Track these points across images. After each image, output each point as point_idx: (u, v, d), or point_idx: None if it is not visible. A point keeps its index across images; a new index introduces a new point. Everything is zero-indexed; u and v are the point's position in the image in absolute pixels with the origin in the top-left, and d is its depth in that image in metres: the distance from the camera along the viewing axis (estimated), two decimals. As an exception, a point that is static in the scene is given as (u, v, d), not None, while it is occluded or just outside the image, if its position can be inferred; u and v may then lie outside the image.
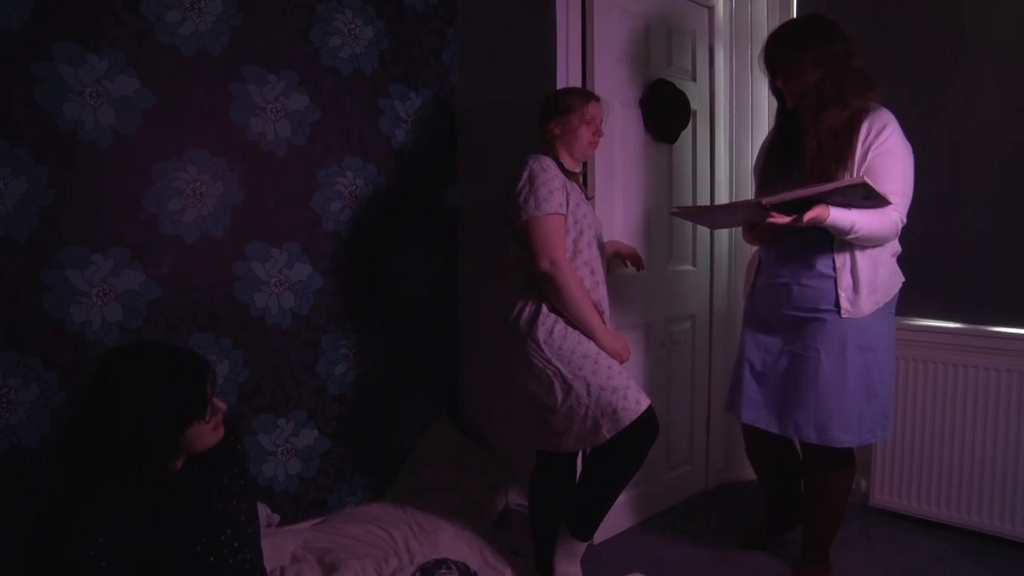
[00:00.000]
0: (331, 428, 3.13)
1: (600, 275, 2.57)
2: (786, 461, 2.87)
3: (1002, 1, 3.05)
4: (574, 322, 2.44)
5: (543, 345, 2.43)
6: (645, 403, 2.42)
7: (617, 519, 3.19)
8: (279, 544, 2.69)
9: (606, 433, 2.39)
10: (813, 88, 2.40)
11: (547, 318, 2.45)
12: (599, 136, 2.59)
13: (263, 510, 2.80)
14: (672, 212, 2.83)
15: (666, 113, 3.25)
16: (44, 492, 1.75)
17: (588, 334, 2.45)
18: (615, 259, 2.88)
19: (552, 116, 2.56)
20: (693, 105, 3.40)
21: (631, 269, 2.94)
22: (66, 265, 2.45)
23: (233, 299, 2.84)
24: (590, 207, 2.61)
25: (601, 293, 2.56)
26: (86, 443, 1.69)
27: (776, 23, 3.70)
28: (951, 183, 3.18)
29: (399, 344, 3.34)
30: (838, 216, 2.26)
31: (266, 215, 2.90)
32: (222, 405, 1.83)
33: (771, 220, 2.27)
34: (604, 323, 2.51)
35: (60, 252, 2.44)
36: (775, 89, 2.55)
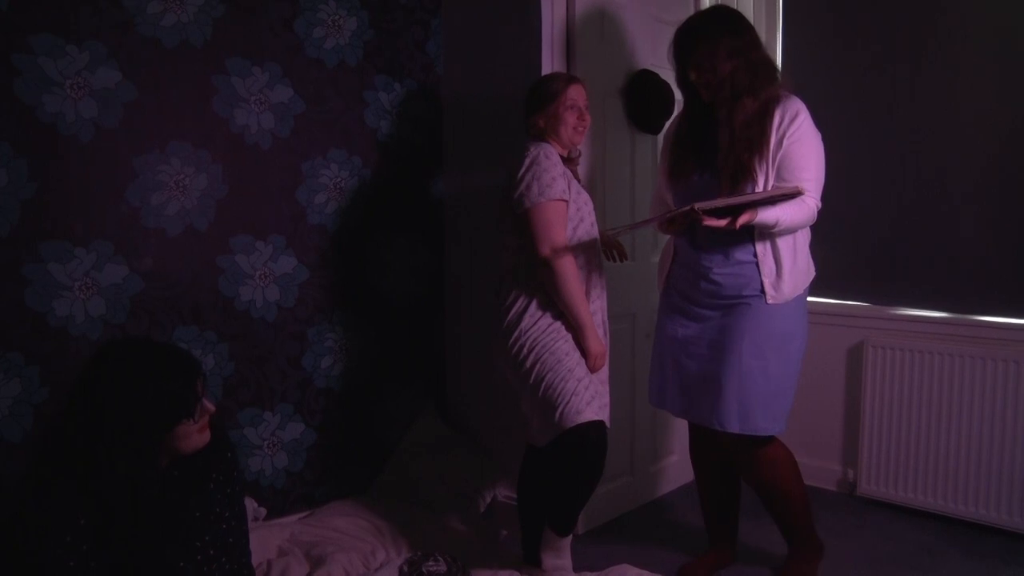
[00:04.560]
0: (317, 421, 3.12)
1: (596, 262, 2.57)
2: (728, 465, 2.75)
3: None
4: (565, 312, 2.43)
5: (523, 335, 2.43)
6: (587, 416, 2.34)
7: (605, 509, 3.20)
8: (265, 538, 2.69)
9: (549, 433, 2.38)
10: (727, 80, 2.41)
11: (535, 312, 2.45)
12: (585, 120, 2.56)
13: (249, 504, 2.79)
14: (609, 232, 2.82)
15: (650, 104, 3.24)
16: (25, 488, 1.74)
17: (577, 327, 2.43)
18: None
19: (534, 109, 2.55)
20: (678, 96, 3.39)
21: (616, 262, 2.93)
22: (48, 259, 2.43)
23: (218, 292, 2.82)
24: (587, 195, 2.60)
25: (596, 280, 2.55)
26: (74, 437, 1.68)
27: (761, 12, 3.71)
28: (938, 174, 3.19)
29: (385, 337, 3.33)
30: (765, 215, 2.30)
31: (250, 208, 2.88)
32: (211, 406, 1.82)
33: (707, 223, 2.26)
34: (593, 321, 2.49)
35: (41, 246, 2.42)
36: (685, 82, 2.54)
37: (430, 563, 2.59)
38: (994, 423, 3.02)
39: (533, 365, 2.40)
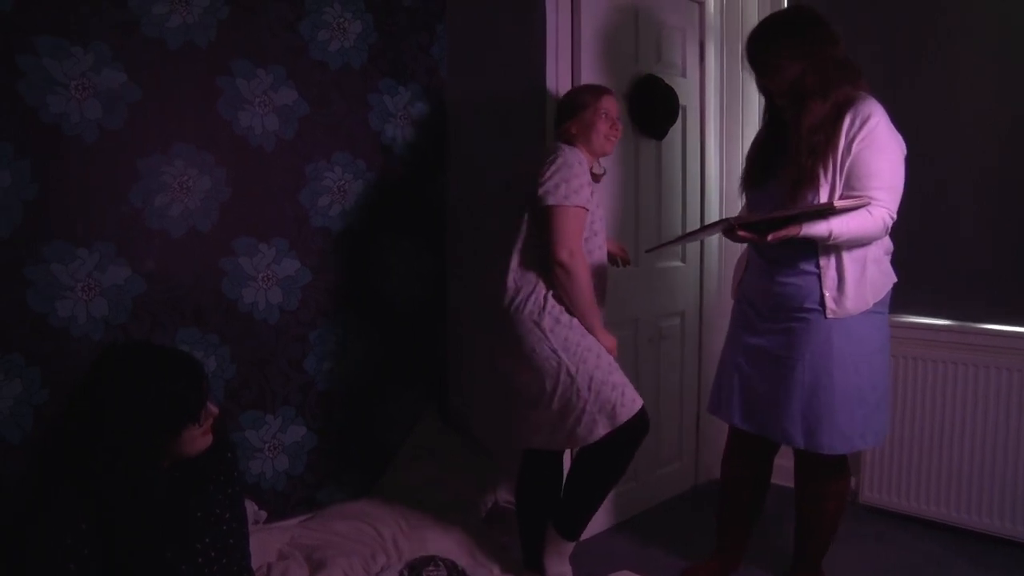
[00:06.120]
0: (319, 424, 3.11)
1: (603, 274, 2.59)
2: (759, 479, 2.75)
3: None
4: (575, 313, 2.44)
5: (549, 334, 2.40)
6: (640, 403, 2.43)
7: (606, 515, 3.19)
8: (266, 541, 2.68)
9: (602, 430, 2.37)
10: (794, 83, 2.31)
11: (554, 307, 2.43)
12: (616, 129, 2.57)
13: (250, 507, 2.78)
14: (647, 251, 2.83)
15: (655, 109, 3.23)
16: (26, 490, 1.74)
17: (587, 327, 2.45)
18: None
19: (568, 116, 2.56)
20: (683, 101, 3.38)
21: (619, 267, 2.92)
22: (50, 260, 2.43)
23: (220, 294, 2.81)
24: (603, 212, 2.61)
25: (602, 294, 2.58)
26: (75, 440, 1.68)
27: (767, 11, 3.69)
28: (939, 180, 3.17)
29: (388, 340, 3.32)
30: (811, 228, 2.22)
31: (254, 210, 2.88)
32: (214, 409, 1.82)
33: (740, 234, 2.25)
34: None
35: (44, 247, 2.42)
36: (761, 87, 2.48)
37: (430, 568, 2.58)
38: (998, 432, 3.00)
39: (578, 368, 2.39)
